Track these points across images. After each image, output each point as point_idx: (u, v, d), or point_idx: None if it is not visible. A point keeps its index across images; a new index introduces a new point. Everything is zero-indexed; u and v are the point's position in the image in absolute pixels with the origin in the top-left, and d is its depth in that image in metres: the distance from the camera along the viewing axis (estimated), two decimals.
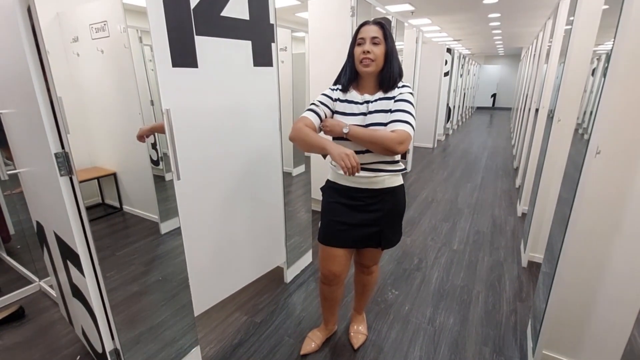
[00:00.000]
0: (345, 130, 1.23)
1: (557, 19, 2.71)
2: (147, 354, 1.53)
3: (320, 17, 2.65)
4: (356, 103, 1.30)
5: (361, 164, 1.23)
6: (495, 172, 4.83)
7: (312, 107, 1.32)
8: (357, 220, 1.36)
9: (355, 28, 1.40)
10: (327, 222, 1.40)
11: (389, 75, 1.26)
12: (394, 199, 1.37)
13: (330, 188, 1.40)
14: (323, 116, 1.31)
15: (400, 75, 1.29)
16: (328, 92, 1.35)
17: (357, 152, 1.23)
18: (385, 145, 1.18)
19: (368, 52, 1.22)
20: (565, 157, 2.02)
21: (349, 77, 1.31)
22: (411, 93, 1.27)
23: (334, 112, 1.33)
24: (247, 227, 1.80)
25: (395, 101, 1.25)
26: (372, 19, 1.27)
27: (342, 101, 1.32)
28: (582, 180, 1.22)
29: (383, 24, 1.24)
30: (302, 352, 1.62)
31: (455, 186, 4.21)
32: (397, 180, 1.36)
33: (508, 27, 7.58)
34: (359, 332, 1.71)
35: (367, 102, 1.29)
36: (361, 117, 1.27)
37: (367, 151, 1.27)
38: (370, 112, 1.26)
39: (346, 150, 1.15)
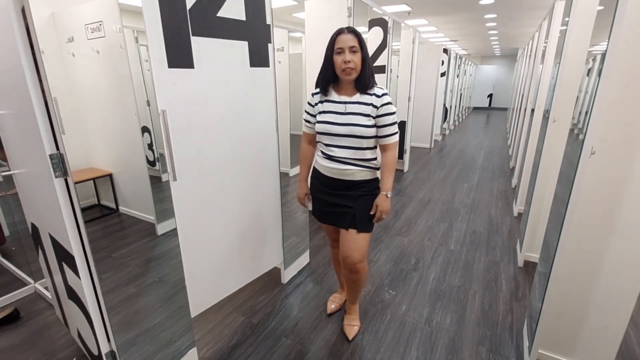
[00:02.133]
0: (389, 194, 1.48)
1: (552, 19, 2.73)
2: (143, 356, 1.52)
3: (317, 17, 2.65)
4: (334, 102, 1.45)
5: (334, 157, 1.47)
6: (491, 172, 4.85)
7: (304, 118, 1.57)
8: (331, 200, 1.54)
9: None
10: (312, 198, 1.65)
11: (365, 79, 1.39)
12: (365, 188, 1.49)
13: (314, 172, 1.61)
14: (314, 121, 1.51)
15: (373, 76, 1.43)
16: (309, 99, 1.53)
17: (331, 146, 1.45)
18: (395, 164, 1.49)
19: (349, 61, 1.33)
20: (560, 157, 2.03)
21: (327, 82, 1.44)
22: (391, 102, 1.41)
23: (317, 114, 1.49)
24: (244, 228, 1.80)
25: (384, 115, 1.40)
26: (346, 27, 1.37)
27: (322, 102, 1.48)
28: (577, 180, 1.23)
29: (358, 33, 1.36)
30: (328, 312, 1.90)
31: (452, 186, 4.23)
32: (369, 175, 1.49)
33: (504, 27, 7.62)
34: (351, 324, 1.77)
35: (345, 102, 1.42)
36: (339, 115, 1.42)
37: (341, 147, 1.44)
38: (349, 113, 1.41)
39: (303, 201, 1.66)
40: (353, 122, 1.39)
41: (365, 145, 1.43)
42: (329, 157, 1.48)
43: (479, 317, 1.89)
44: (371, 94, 1.41)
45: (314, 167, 1.61)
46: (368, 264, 2.37)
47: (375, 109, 1.39)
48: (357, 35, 1.35)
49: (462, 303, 2.01)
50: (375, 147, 1.49)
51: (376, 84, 1.44)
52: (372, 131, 1.41)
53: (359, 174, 1.47)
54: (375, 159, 1.50)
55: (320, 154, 1.54)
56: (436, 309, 1.96)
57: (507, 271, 2.35)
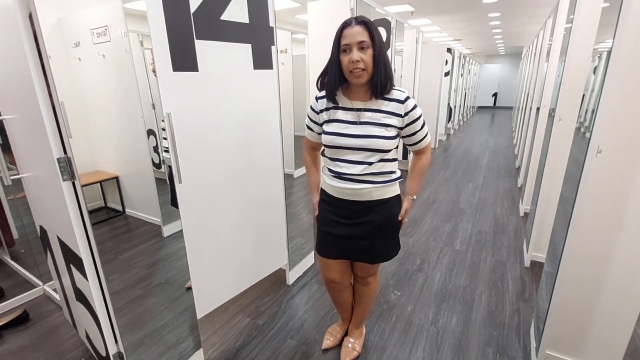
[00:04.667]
0: (414, 199, 1.37)
1: (557, 17, 2.71)
2: (150, 357, 1.54)
3: (319, 18, 2.66)
4: (344, 109, 1.22)
5: (344, 175, 1.24)
6: (497, 172, 4.82)
7: (306, 123, 1.38)
8: (345, 233, 1.31)
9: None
10: (319, 232, 1.41)
11: (379, 81, 1.15)
12: (385, 211, 1.29)
13: (322, 194, 1.38)
14: (317, 131, 1.33)
15: (390, 77, 1.18)
16: (313, 104, 1.31)
17: (339, 161, 1.24)
18: (428, 168, 1.33)
19: (357, 61, 1.10)
20: (566, 155, 2.01)
21: (334, 86, 1.20)
22: (416, 105, 1.21)
23: (322, 123, 1.28)
24: (249, 229, 1.80)
25: (413, 122, 1.21)
26: (354, 17, 1.14)
27: (328, 109, 1.25)
28: (583, 179, 1.22)
29: (367, 23, 1.11)
30: (323, 347, 1.66)
31: (457, 186, 4.20)
32: (388, 192, 1.27)
33: (508, 26, 7.58)
34: (352, 349, 1.61)
35: (359, 109, 1.20)
36: (351, 125, 1.20)
37: (352, 162, 1.22)
38: (364, 123, 1.19)
39: (314, 206, 1.42)
40: (369, 134, 1.17)
41: (382, 159, 1.21)
42: (338, 176, 1.25)
43: (485, 317, 1.88)
44: (391, 99, 1.18)
45: (322, 189, 1.38)
46: None
47: (400, 119, 1.19)
48: (368, 27, 1.10)
49: (468, 303, 2.00)
50: (395, 160, 1.28)
51: (394, 86, 1.20)
52: (393, 143, 1.20)
53: (376, 192, 1.24)
54: (394, 172, 1.28)
55: (327, 172, 1.30)
56: (442, 309, 1.95)
57: (514, 271, 2.34)
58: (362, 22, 1.12)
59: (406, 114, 1.19)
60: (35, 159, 1.30)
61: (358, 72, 1.12)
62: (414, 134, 1.24)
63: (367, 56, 1.11)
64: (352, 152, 1.21)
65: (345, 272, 1.47)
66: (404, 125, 1.21)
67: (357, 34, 1.10)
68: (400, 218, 1.34)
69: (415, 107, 1.20)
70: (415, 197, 1.37)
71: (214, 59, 1.42)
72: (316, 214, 1.42)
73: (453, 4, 5.45)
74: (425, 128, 1.27)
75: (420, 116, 1.23)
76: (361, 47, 1.11)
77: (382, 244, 1.33)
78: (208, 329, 1.81)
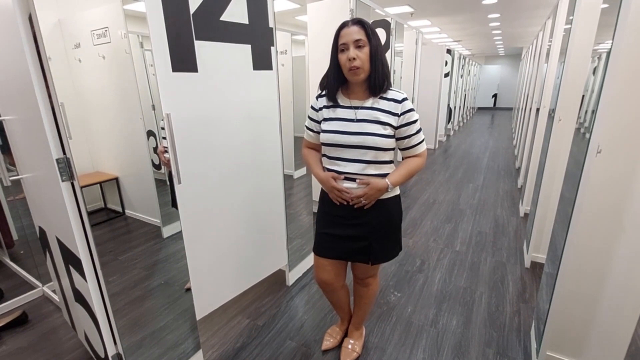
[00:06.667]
0: (390, 188, 1.24)
1: (556, 18, 2.71)
2: (149, 358, 1.53)
3: (319, 20, 2.66)
4: (343, 107, 1.25)
5: (346, 173, 1.25)
6: (497, 173, 4.82)
7: (306, 125, 1.39)
8: (343, 233, 1.32)
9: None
10: (317, 232, 1.41)
11: (376, 79, 1.19)
12: (384, 212, 1.30)
13: (321, 194, 1.39)
14: (317, 130, 1.34)
15: (387, 75, 1.21)
16: (313, 102, 1.34)
17: (338, 160, 1.26)
18: (419, 171, 1.25)
19: (354, 58, 1.14)
20: (566, 156, 2.01)
21: (334, 86, 1.25)
22: (413, 109, 1.23)
23: (320, 121, 1.30)
24: (249, 230, 1.80)
25: (408, 124, 1.21)
26: (350, 18, 1.15)
27: (327, 107, 1.28)
28: (583, 179, 1.21)
29: (364, 22, 1.16)
30: (322, 348, 1.65)
31: (457, 187, 4.20)
32: (386, 192, 1.27)
33: (508, 27, 7.59)
34: (352, 350, 1.61)
35: (356, 107, 1.23)
36: (348, 123, 1.23)
37: (350, 160, 1.24)
38: (360, 120, 1.21)
39: (335, 185, 1.25)
40: (365, 131, 1.19)
41: (379, 159, 1.23)
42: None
43: (485, 318, 1.88)
44: (389, 99, 1.21)
45: (322, 189, 1.38)
46: None
47: (397, 118, 1.20)
48: (364, 26, 1.15)
49: (469, 305, 2.00)
50: (391, 162, 1.29)
51: (392, 87, 1.24)
52: (389, 142, 1.21)
53: None
54: (390, 173, 1.29)
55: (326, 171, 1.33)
56: (442, 310, 1.94)
57: (514, 272, 2.33)
58: (359, 22, 1.16)
59: (402, 113, 1.20)
60: (35, 159, 1.30)
61: (355, 69, 1.15)
62: (409, 137, 1.23)
63: (364, 54, 1.15)
64: (348, 150, 1.23)
65: (339, 274, 1.47)
66: (398, 125, 1.21)
67: (354, 32, 1.14)
68: (361, 186, 1.24)
69: (411, 110, 1.21)
70: (392, 185, 1.23)
71: (213, 60, 1.42)
72: (332, 184, 1.27)
73: (452, 6, 5.46)
74: (422, 135, 1.26)
75: (416, 121, 1.23)
76: (357, 45, 1.15)
77: (380, 245, 1.33)
78: (207, 330, 1.81)
